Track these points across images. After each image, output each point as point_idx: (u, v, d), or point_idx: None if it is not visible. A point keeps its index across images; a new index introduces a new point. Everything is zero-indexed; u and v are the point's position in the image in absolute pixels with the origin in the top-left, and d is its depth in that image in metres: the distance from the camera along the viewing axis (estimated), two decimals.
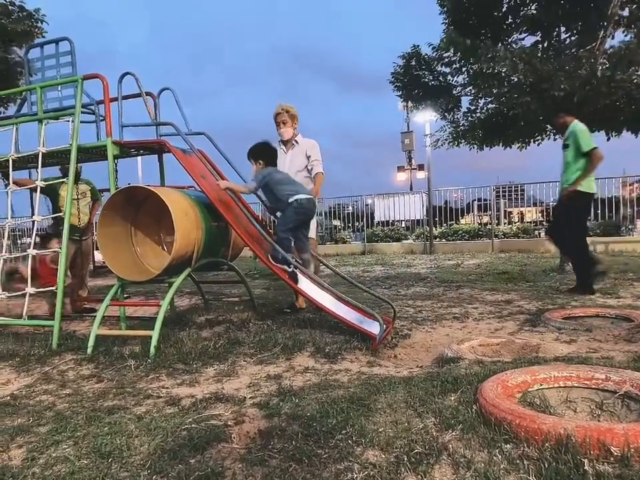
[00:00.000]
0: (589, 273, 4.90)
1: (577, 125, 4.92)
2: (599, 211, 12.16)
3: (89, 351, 3.23)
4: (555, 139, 7.34)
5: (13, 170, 3.97)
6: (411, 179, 23.50)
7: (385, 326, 3.28)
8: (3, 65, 8.48)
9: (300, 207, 3.66)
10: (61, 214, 4.51)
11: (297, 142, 4.36)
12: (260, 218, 4.42)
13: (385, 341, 3.28)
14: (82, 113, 3.92)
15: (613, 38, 6.51)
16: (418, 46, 7.29)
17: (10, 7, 8.42)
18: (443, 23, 7.26)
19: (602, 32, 6.23)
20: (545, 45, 6.96)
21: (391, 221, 15.17)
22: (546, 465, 1.45)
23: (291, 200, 3.64)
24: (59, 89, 4.11)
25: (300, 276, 3.73)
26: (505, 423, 1.66)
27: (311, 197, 3.76)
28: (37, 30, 8.86)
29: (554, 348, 2.90)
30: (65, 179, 4.41)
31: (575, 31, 6.79)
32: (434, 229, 13.62)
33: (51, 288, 3.70)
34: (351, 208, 16.49)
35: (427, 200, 13.99)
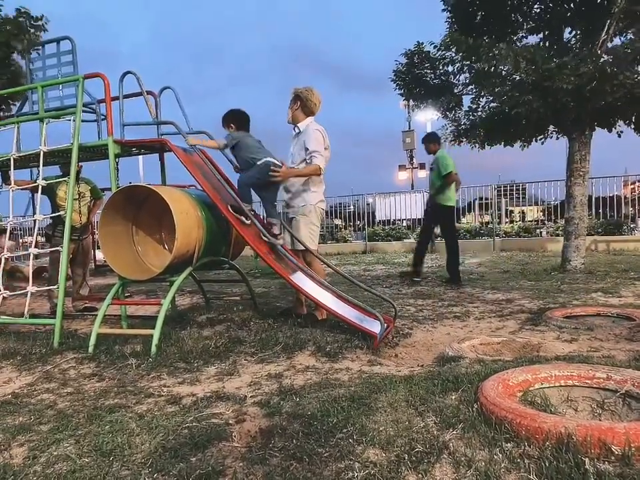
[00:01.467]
0: (456, 268, 6.18)
1: (441, 153, 6.25)
2: (600, 210, 12.15)
3: (90, 349, 3.23)
4: (557, 138, 7.33)
5: (14, 169, 3.98)
6: (412, 178, 23.45)
7: (385, 325, 3.29)
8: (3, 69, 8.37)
9: (265, 168, 3.65)
10: (58, 213, 4.52)
11: (298, 129, 3.96)
12: (261, 217, 4.40)
13: (386, 340, 3.28)
14: (83, 112, 3.92)
15: (622, 35, 6.50)
16: (422, 43, 7.27)
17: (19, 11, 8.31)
18: (446, 21, 7.24)
19: (605, 30, 6.21)
20: (547, 43, 6.95)
21: (392, 220, 15.14)
22: (547, 464, 1.45)
23: (258, 162, 3.67)
24: (60, 88, 4.11)
25: (301, 275, 3.73)
26: (505, 421, 1.66)
27: (278, 162, 3.72)
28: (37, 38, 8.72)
29: (555, 347, 2.90)
30: (63, 179, 4.39)
31: (578, 31, 6.78)
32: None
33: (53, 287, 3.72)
34: (352, 207, 16.48)
35: (428, 199, 13.96)
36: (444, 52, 6.98)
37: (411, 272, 6.78)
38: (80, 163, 4.86)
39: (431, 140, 6.44)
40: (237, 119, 3.85)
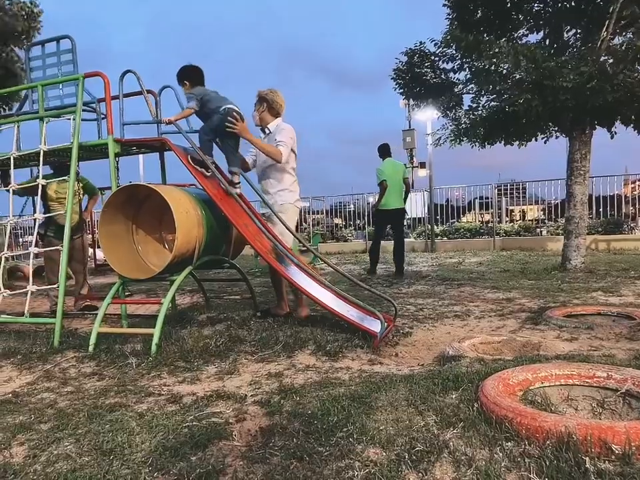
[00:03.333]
0: (373, 263, 7.51)
1: (380, 164, 7.32)
2: (601, 209, 12.14)
3: (91, 348, 3.23)
4: (557, 137, 7.33)
5: (14, 168, 3.98)
6: (412, 177, 23.44)
7: (386, 324, 3.29)
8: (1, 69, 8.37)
9: (226, 115, 3.66)
10: (51, 214, 4.50)
11: (269, 129, 3.97)
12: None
13: (386, 339, 3.28)
14: (83, 111, 3.92)
15: (622, 35, 6.47)
16: (423, 43, 7.28)
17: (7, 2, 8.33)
18: (446, 19, 7.23)
19: (605, 28, 6.20)
20: (548, 41, 6.94)
21: None
22: (547, 463, 1.45)
23: (220, 110, 3.69)
24: (60, 87, 4.11)
25: (300, 273, 3.73)
26: (506, 420, 1.66)
27: (238, 110, 3.73)
28: (35, 28, 8.74)
29: (555, 346, 2.90)
30: (55, 179, 4.32)
31: (578, 29, 6.77)
32: (435, 227, 13.60)
33: (54, 286, 3.72)
34: (352, 206, 16.49)
35: (429, 198, 13.96)
36: (444, 49, 6.98)
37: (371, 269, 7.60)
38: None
39: (379, 152, 7.53)
40: (191, 75, 3.81)
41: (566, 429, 1.52)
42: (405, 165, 7.64)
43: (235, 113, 3.68)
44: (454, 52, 6.94)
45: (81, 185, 4.98)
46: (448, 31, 6.64)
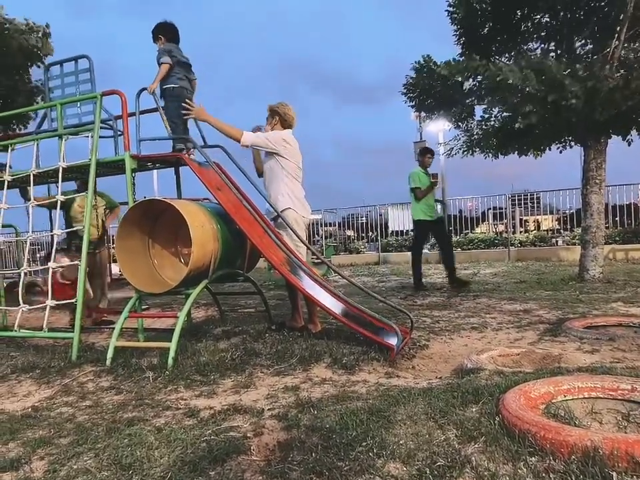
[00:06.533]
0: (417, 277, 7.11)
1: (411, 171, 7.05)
2: (618, 218, 11.97)
3: (108, 362, 3.25)
4: (571, 147, 7.27)
5: (33, 185, 4.06)
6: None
7: (402, 336, 3.26)
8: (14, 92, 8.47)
9: (179, 97, 3.82)
10: (73, 228, 4.60)
11: None
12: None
13: (403, 352, 3.25)
14: (100, 128, 4.00)
15: (633, 42, 6.42)
16: (430, 57, 7.29)
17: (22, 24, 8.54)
18: (454, 35, 7.25)
19: (616, 37, 6.16)
20: (558, 52, 6.91)
21: (405, 231, 15.05)
22: (573, 478, 1.41)
23: (174, 87, 3.83)
24: (79, 105, 4.20)
25: (315, 285, 3.72)
26: (529, 435, 1.63)
27: (186, 87, 3.88)
28: (47, 47, 8.91)
29: (576, 358, 2.84)
30: (79, 194, 4.44)
31: (588, 39, 6.73)
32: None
33: (70, 301, 3.75)
34: (364, 218, 16.48)
35: (442, 209, 13.90)
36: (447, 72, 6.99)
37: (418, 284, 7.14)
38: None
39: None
40: (166, 31, 3.97)
41: (591, 443, 1.48)
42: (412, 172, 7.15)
43: (185, 98, 3.80)
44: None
45: (104, 201, 5.12)
46: (444, 63, 6.49)
